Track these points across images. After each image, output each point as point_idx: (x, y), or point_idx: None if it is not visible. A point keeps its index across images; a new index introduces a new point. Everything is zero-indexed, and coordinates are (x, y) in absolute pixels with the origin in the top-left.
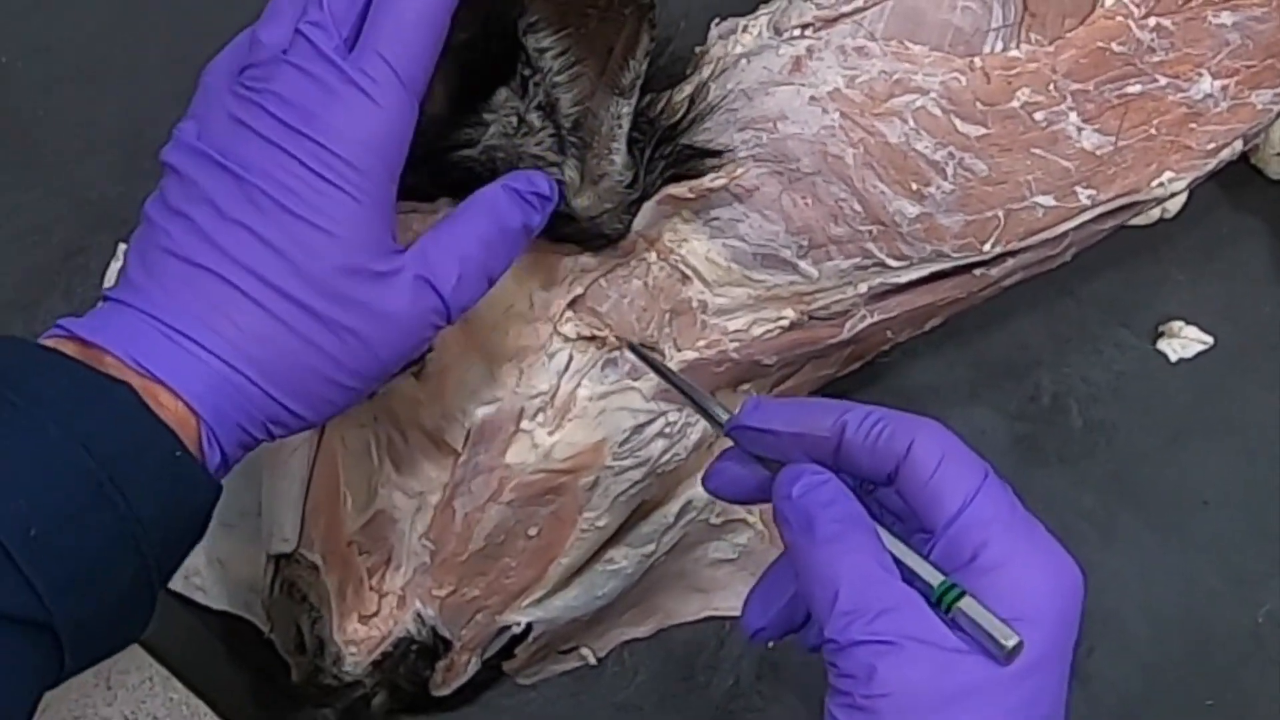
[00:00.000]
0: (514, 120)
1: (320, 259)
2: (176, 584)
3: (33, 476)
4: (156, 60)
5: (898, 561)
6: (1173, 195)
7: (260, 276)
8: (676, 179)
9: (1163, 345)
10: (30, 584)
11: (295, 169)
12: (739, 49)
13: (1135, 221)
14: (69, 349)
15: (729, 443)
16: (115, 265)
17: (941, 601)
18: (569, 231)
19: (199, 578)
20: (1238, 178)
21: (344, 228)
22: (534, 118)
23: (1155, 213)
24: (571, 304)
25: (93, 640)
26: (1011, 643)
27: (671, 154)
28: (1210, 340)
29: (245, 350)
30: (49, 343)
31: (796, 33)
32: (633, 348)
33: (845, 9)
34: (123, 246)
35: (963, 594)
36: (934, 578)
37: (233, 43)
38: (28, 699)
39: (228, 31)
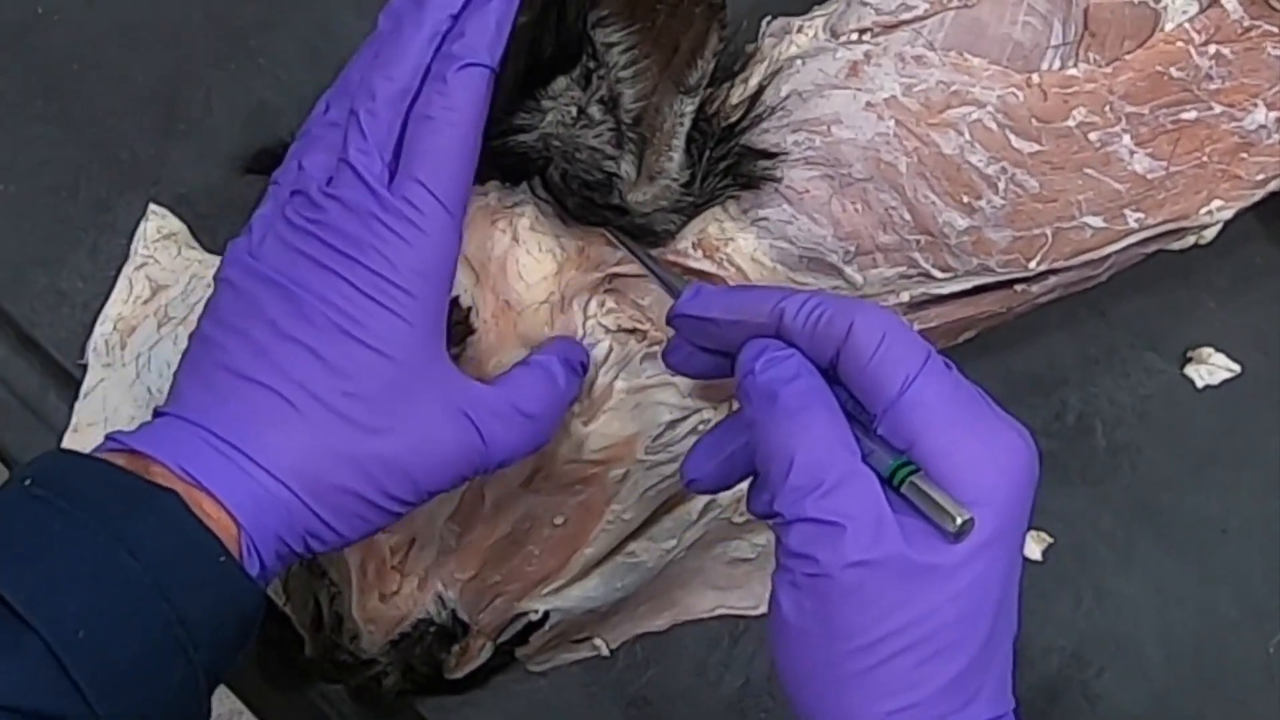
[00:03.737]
0: (573, 110)
1: (373, 379)
2: None
3: (81, 580)
4: (196, 22)
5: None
6: (1219, 223)
7: (313, 393)
8: (733, 181)
9: (1190, 371)
10: (77, 687)
11: (349, 292)
12: (793, 50)
13: (1170, 246)
14: (118, 460)
15: None
16: (145, 225)
17: (894, 479)
18: (620, 225)
19: None
20: (1274, 209)
21: (397, 349)
22: (595, 110)
23: (1190, 239)
24: (613, 296)
25: None
26: (961, 519)
27: (729, 155)
28: (1238, 368)
29: (291, 464)
30: (100, 455)
31: (854, 37)
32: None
33: (905, 16)
34: (153, 206)
35: (915, 470)
36: (888, 455)
37: (279, 174)
38: None
39: None
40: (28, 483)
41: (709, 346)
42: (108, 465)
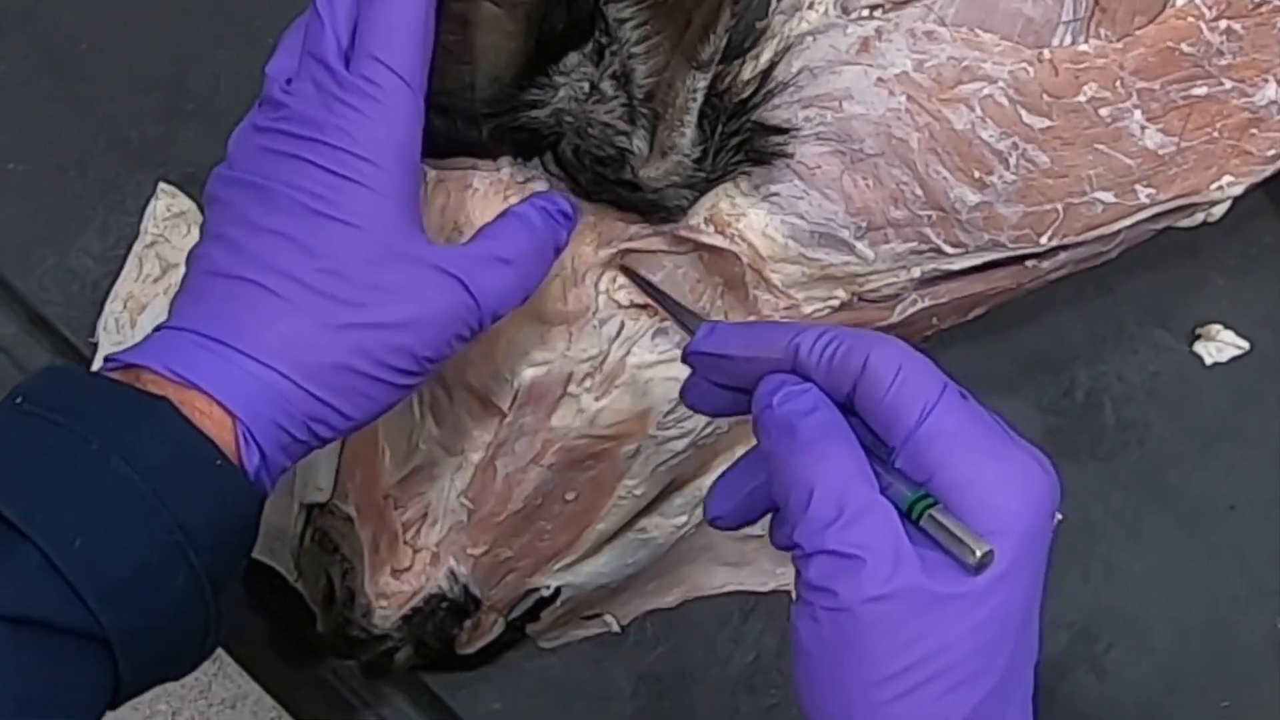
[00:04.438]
0: (585, 86)
1: (349, 253)
2: None
3: (75, 490)
4: (202, 2)
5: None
6: (1229, 199)
7: (293, 277)
8: (745, 157)
9: (1199, 348)
10: (79, 595)
11: (315, 173)
12: (804, 26)
13: (1179, 223)
14: (113, 374)
15: None
16: (154, 203)
17: (913, 512)
18: (632, 200)
19: None
20: None
21: (369, 220)
22: (607, 85)
23: (1199, 216)
24: (625, 271)
25: (149, 655)
26: (980, 552)
27: (740, 130)
28: (1246, 345)
29: (281, 350)
30: (94, 372)
31: (865, 13)
32: (623, 267)
33: None
34: (163, 185)
35: (934, 503)
36: (905, 488)
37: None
38: (89, 715)
39: None
40: (19, 400)
41: (726, 383)
42: (99, 378)
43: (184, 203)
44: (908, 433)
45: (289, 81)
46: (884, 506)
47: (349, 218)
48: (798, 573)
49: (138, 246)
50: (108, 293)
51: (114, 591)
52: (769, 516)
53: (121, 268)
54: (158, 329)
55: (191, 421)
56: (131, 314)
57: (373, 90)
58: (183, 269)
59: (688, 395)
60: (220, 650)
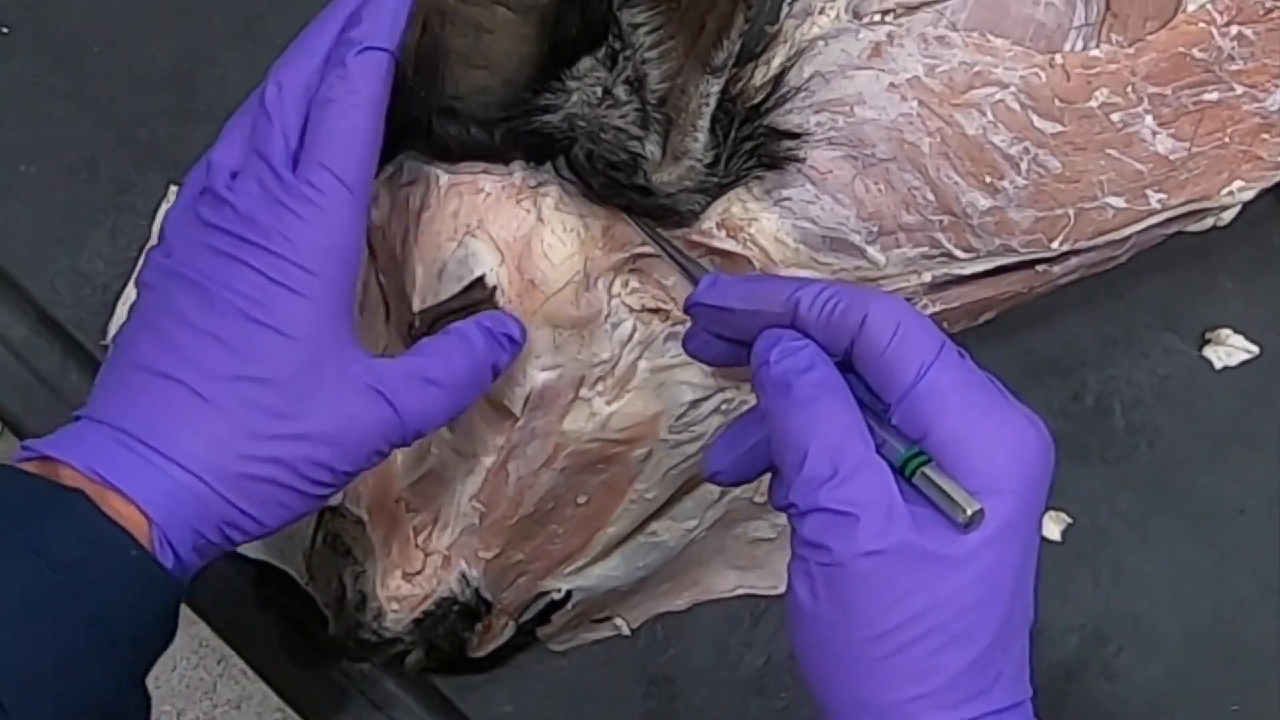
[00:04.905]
0: (599, 91)
1: (279, 361)
2: None
3: None
4: (212, 1)
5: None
6: (1239, 204)
7: (220, 381)
8: (757, 162)
9: (1208, 352)
10: None
11: (252, 277)
12: (815, 31)
13: (1189, 228)
14: (29, 467)
15: None
16: (165, 205)
17: (906, 469)
18: (645, 205)
19: None
20: None
21: (301, 330)
22: (620, 90)
23: (1209, 220)
24: (637, 276)
25: None
26: (971, 510)
27: (753, 135)
28: (1256, 350)
29: (202, 455)
30: (10, 464)
31: (877, 18)
32: (630, 217)
33: None
34: (174, 188)
35: (927, 460)
36: (900, 445)
37: (191, 174)
38: None
39: None
40: None
41: (726, 335)
42: (13, 470)
43: None
44: (904, 390)
45: (234, 176)
46: (878, 464)
47: (282, 326)
48: (794, 530)
49: (149, 248)
50: (118, 295)
51: (26, 685)
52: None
53: (131, 269)
54: (77, 417)
55: (107, 515)
56: None
57: (318, 198)
58: None
59: (688, 344)
60: (227, 651)
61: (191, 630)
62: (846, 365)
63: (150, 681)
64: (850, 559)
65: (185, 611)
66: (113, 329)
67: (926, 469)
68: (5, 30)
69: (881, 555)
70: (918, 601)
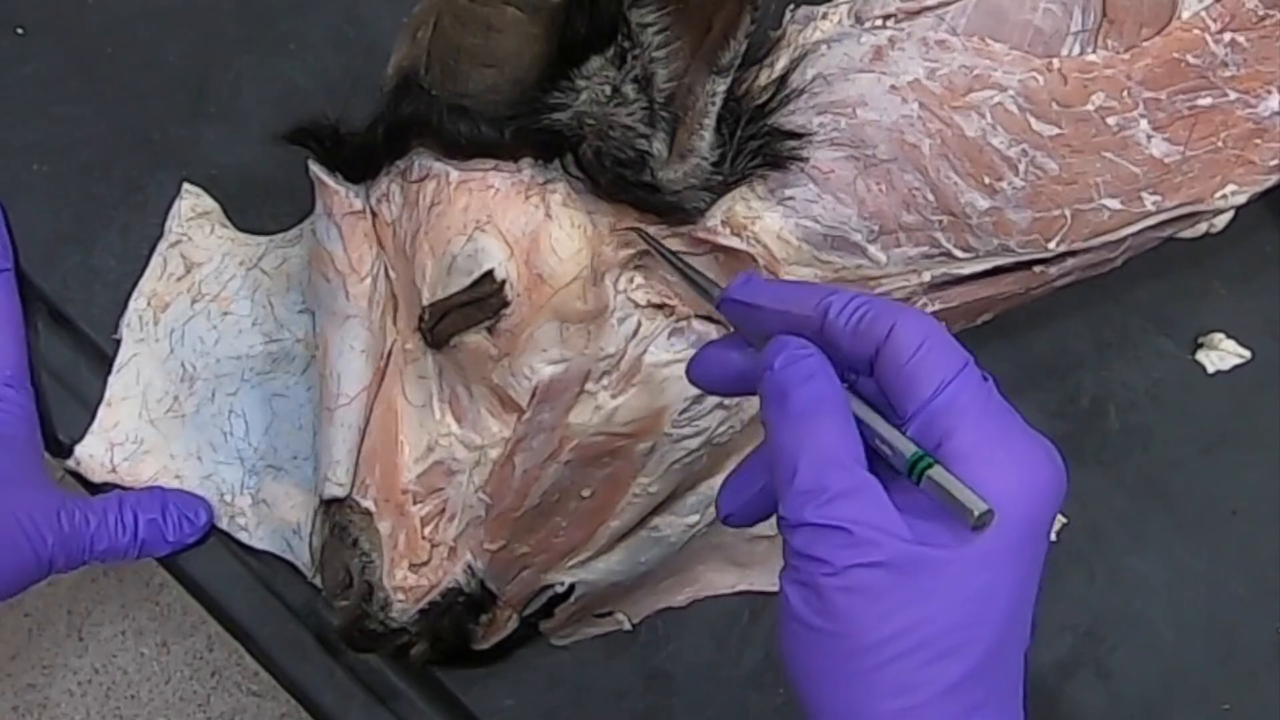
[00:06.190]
0: (607, 89)
1: None
2: (221, 521)
3: None
4: (227, 5)
5: (872, 433)
6: (1232, 208)
7: None
8: (761, 161)
9: (1201, 356)
10: None
11: None
12: (818, 35)
13: (1183, 234)
14: None
15: None
16: (179, 203)
17: (914, 471)
18: (651, 202)
19: (243, 517)
20: None
21: None
22: (628, 89)
23: (1202, 226)
24: (643, 272)
25: None
26: (979, 510)
27: (758, 135)
28: (1248, 354)
29: None
30: None
31: (879, 22)
32: (640, 233)
33: (929, 2)
34: (187, 185)
35: (933, 464)
36: (908, 448)
37: None
38: None
39: None
40: None
41: (755, 333)
42: None
43: (208, 203)
44: (922, 402)
45: None
46: (869, 482)
47: None
48: (785, 540)
49: (162, 245)
50: (129, 292)
51: None
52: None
53: (143, 267)
54: None
55: None
56: (155, 311)
57: None
58: (206, 268)
59: (694, 368)
60: (220, 665)
61: (186, 643)
62: (867, 375)
63: (143, 694)
64: (840, 570)
65: (180, 625)
66: (125, 324)
67: (932, 471)
68: (21, 31)
69: (870, 569)
70: (907, 616)
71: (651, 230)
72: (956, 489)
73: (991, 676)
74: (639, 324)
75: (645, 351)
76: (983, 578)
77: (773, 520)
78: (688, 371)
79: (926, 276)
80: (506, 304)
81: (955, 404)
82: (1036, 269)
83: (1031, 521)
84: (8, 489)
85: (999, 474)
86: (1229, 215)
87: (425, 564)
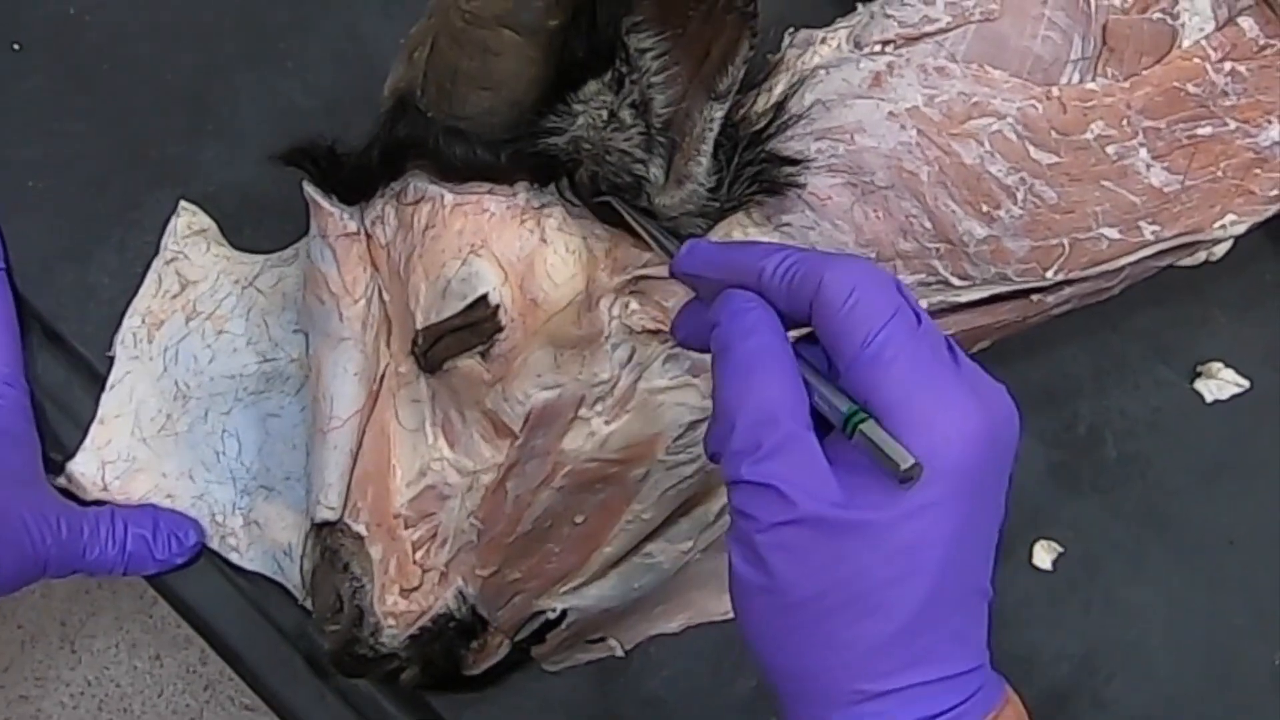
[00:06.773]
0: (604, 114)
1: None
2: (212, 542)
3: None
4: (226, 23)
5: (814, 389)
6: (1231, 238)
7: None
8: (758, 187)
9: (1199, 385)
10: None
11: None
12: (817, 60)
13: (1182, 262)
14: None
15: None
16: (175, 220)
17: (848, 426)
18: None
19: (235, 537)
20: None
21: None
22: (626, 114)
23: (1201, 255)
24: (638, 298)
25: None
26: (905, 465)
27: (755, 161)
28: (1247, 384)
29: None
30: None
31: (877, 48)
32: (613, 200)
33: (928, 29)
34: (184, 203)
35: (866, 418)
36: (843, 404)
37: None
38: None
39: None
40: None
41: (709, 298)
42: None
43: (204, 220)
44: (853, 355)
45: None
46: (802, 439)
47: None
48: (729, 497)
49: (157, 263)
50: (123, 310)
51: None
52: None
53: (138, 285)
54: None
55: None
56: (149, 329)
57: None
58: (201, 286)
59: (679, 329)
60: (213, 678)
61: (179, 657)
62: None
63: (136, 707)
64: (771, 526)
65: (174, 638)
66: (120, 341)
67: (864, 426)
68: (18, 47)
69: (800, 524)
70: (834, 572)
71: (647, 255)
72: (886, 443)
73: (929, 631)
74: (633, 350)
75: (640, 377)
76: (911, 532)
77: None
78: (673, 331)
79: (923, 304)
80: (500, 329)
81: (881, 355)
82: (1034, 297)
83: (965, 471)
84: (12, 486)
85: (926, 428)
86: (1228, 244)
87: (416, 589)
